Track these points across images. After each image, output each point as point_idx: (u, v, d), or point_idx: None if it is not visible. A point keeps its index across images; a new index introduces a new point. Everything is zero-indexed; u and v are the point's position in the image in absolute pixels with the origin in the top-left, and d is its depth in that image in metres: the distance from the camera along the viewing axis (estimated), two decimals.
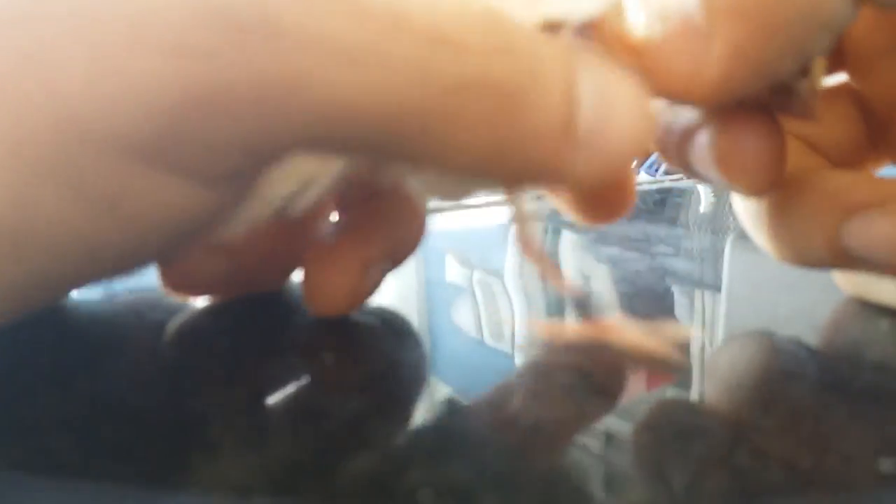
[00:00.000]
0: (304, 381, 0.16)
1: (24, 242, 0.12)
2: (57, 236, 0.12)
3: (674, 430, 0.14)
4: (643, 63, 0.15)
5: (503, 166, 0.13)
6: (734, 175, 0.16)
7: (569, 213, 0.21)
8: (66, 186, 0.12)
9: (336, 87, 0.11)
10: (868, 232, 0.16)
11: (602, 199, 0.20)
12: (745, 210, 0.19)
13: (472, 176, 0.14)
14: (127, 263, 0.14)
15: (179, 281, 0.21)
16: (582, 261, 0.28)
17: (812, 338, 0.19)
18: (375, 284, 0.20)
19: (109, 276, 0.14)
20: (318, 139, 0.12)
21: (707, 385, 0.16)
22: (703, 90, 0.14)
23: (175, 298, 0.21)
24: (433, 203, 0.21)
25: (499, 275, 0.27)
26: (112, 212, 0.12)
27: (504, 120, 0.12)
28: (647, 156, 0.17)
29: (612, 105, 0.14)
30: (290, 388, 0.15)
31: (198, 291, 0.22)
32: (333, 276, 0.20)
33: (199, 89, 0.11)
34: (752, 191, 0.17)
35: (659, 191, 0.51)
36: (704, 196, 0.48)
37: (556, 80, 0.13)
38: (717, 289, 0.25)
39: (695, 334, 0.20)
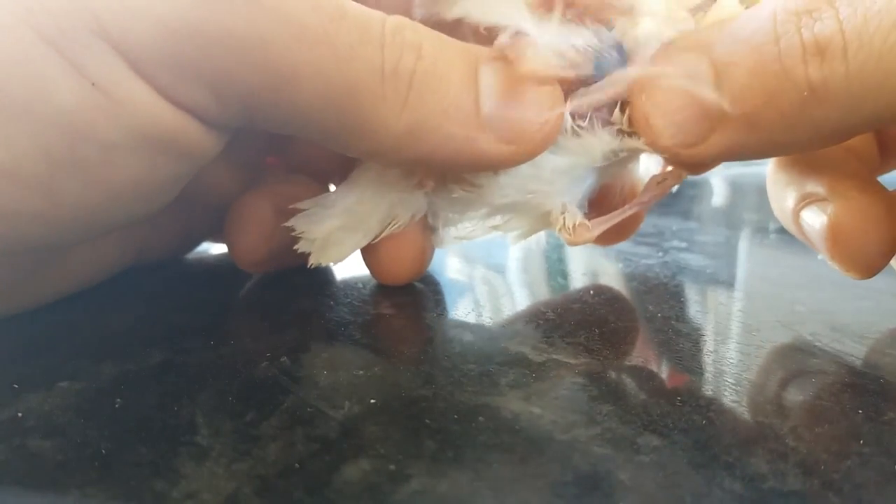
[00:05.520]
0: (296, 384, 0.15)
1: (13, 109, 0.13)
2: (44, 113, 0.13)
3: (686, 433, 0.13)
4: (638, 108, 0.17)
5: (423, 143, 0.16)
6: (843, 256, 0.18)
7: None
8: (70, 69, 0.13)
9: (289, 53, 0.14)
10: (810, 222, 0.18)
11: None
12: (771, 165, 0.20)
13: (397, 159, 0.17)
14: (109, 197, 0.15)
15: (250, 253, 0.22)
16: (592, 256, 0.28)
17: (829, 336, 0.18)
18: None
19: (87, 219, 0.15)
20: (269, 98, 0.15)
21: (721, 386, 0.16)
22: (689, 159, 0.17)
23: (247, 272, 0.23)
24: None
25: (501, 271, 0.26)
26: (96, 97, 0.14)
27: (416, 100, 0.15)
28: (547, 146, 0.18)
29: (512, 93, 0.16)
30: (281, 392, 0.15)
31: (266, 263, 0.22)
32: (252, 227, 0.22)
33: (199, 26, 0.14)
34: (858, 272, 0.18)
35: None
36: (718, 189, 0.48)
37: (458, 68, 0.16)
38: (732, 285, 0.24)
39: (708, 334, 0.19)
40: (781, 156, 0.19)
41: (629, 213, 0.20)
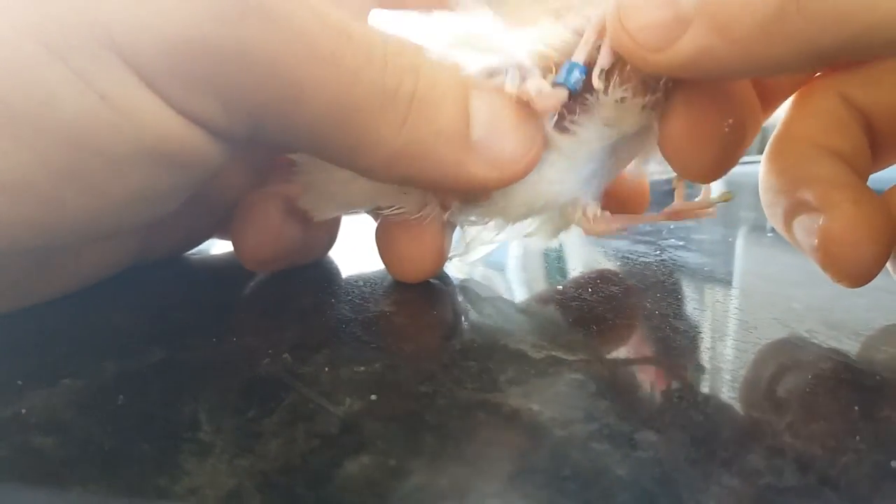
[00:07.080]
0: (298, 381, 0.15)
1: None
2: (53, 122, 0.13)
3: (683, 429, 0.13)
4: (613, 13, 0.16)
5: (416, 162, 0.17)
6: (834, 267, 0.18)
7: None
8: (78, 82, 0.13)
9: (298, 71, 0.14)
10: (801, 232, 0.18)
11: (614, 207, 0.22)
12: (762, 171, 0.20)
13: (388, 176, 0.17)
14: (106, 205, 0.15)
15: (256, 253, 0.22)
16: (590, 254, 0.28)
17: (825, 333, 0.18)
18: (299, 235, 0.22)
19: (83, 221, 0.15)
20: (276, 113, 0.15)
21: (718, 382, 0.16)
22: (658, 65, 0.16)
23: (254, 270, 0.23)
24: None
25: (500, 269, 0.26)
26: (103, 109, 0.14)
27: (414, 121, 0.16)
28: (529, 172, 0.18)
29: (500, 122, 0.17)
30: (282, 389, 0.15)
31: (272, 262, 0.23)
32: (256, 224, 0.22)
33: (212, 42, 0.14)
34: (850, 282, 0.18)
35: (668, 181, 0.51)
36: (715, 187, 0.48)
37: (452, 94, 0.17)
38: (729, 283, 0.24)
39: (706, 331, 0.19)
40: (755, 76, 0.18)
41: (658, 219, 0.22)
